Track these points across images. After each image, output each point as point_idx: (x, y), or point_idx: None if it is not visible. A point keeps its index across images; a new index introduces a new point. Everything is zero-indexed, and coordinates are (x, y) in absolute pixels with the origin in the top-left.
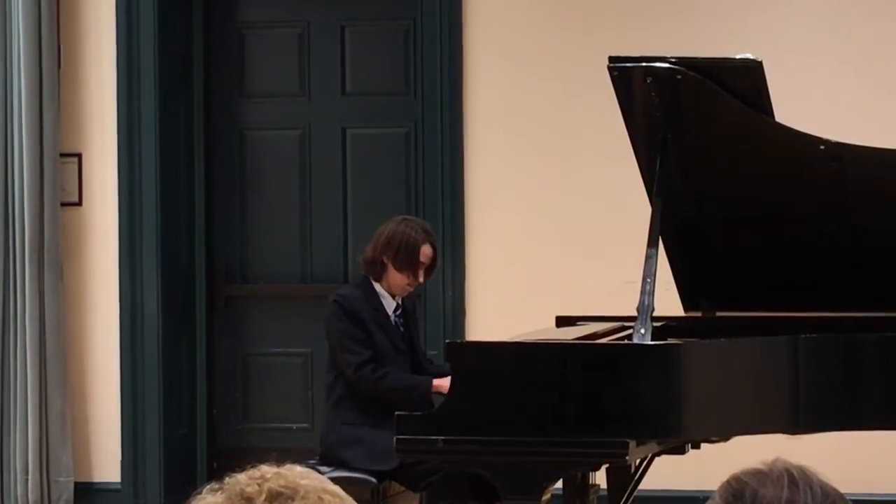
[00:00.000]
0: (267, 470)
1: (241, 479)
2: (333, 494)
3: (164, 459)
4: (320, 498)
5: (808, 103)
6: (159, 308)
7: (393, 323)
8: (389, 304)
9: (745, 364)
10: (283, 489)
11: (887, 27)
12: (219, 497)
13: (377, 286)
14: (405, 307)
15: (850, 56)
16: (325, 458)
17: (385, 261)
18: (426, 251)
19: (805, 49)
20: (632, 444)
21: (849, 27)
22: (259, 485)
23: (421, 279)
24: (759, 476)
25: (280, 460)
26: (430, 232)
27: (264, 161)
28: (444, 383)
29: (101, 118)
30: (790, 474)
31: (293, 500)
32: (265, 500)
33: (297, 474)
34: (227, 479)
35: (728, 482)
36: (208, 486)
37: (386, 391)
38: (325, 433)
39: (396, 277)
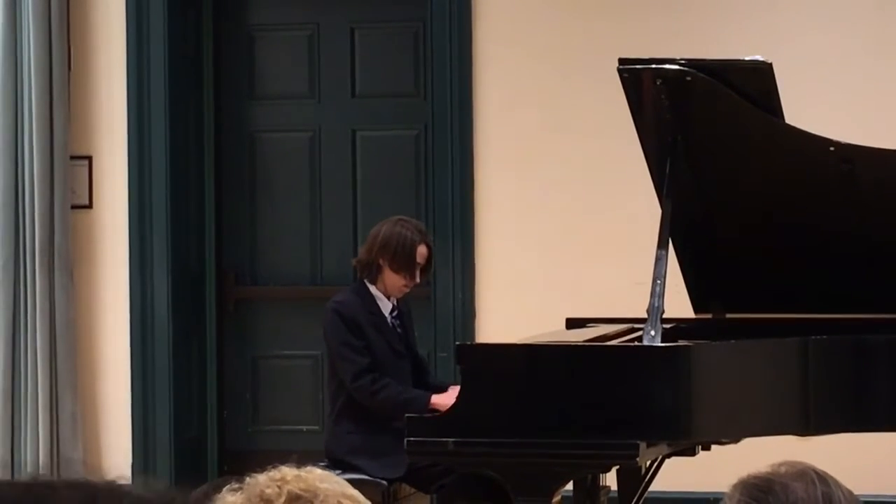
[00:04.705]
0: (287, 472)
1: (262, 481)
2: (353, 499)
3: (174, 461)
4: (339, 503)
5: (817, 105)
6: (169, 310)
7: (390, 325)
8: (385, 307)
9: (756, 366)
10: (302, 492)
11: None
12: (238, 497)
13: (372, 289)
14: (400, 309)
15: (860, 57)
16: (333, 463)
17: (381, 262)
18: (422, 251)
19: (814, 50)
20: (642, 445)
21: (858, 27)
22: (279, 487)
23: (417, 280)
24: (785, 474)
25: (300, 462)
26: (425, 232)
27: (274, 163)
28: (441, 400)
29: (111, 121)
30: (815, 472)
31: (312, 503)
32: (284, 502)
33: (317, 477)
34: (247, 480)
35: (746, 482)
36: (228, 486)
37: (382, 404)
38: (329, 441)
39: (393, 279)
